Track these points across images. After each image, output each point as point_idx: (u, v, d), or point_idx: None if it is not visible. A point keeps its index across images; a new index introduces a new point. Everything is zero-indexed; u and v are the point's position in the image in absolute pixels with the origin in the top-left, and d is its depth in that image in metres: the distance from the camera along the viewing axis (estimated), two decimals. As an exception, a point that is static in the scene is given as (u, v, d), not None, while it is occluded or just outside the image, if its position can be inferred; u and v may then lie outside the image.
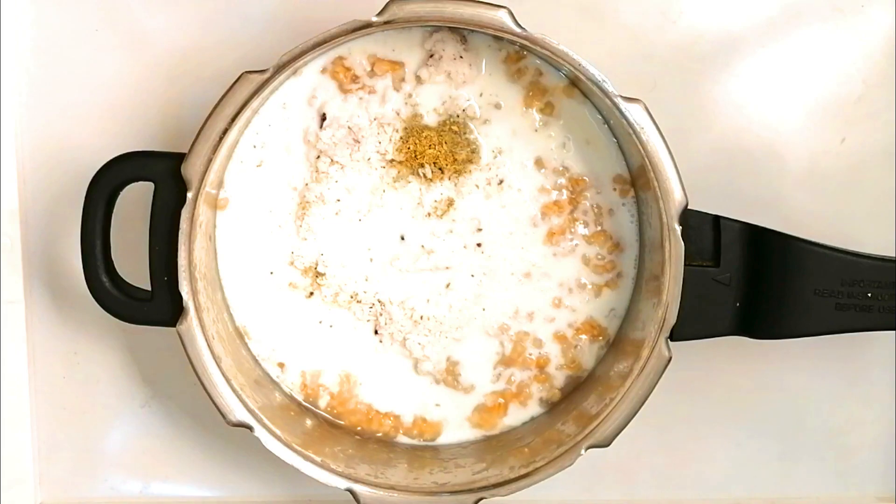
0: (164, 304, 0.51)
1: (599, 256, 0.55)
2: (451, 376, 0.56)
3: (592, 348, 0.56)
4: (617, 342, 0.56)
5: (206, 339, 0.51)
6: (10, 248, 0.56)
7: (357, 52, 0.53)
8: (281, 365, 0.56)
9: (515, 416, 0.56)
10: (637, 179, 0.54)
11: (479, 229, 0.55)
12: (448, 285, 0.55)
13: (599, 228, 0.55)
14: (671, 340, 0.51)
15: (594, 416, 0.52)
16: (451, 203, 0.54)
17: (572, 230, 0.55)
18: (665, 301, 0.51)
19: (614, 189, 0.55)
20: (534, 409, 0.56)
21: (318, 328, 0.55)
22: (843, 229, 0.57)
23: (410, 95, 0.54)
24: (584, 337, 0.56)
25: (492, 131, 0.54)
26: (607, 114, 0.53)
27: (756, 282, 0.52)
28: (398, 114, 0.54)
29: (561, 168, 0.54)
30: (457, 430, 0.56)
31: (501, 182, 0.54)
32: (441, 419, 0.56)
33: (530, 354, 0.56)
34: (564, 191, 0.55)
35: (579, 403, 0.55)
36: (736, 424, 0.60)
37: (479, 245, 0.55)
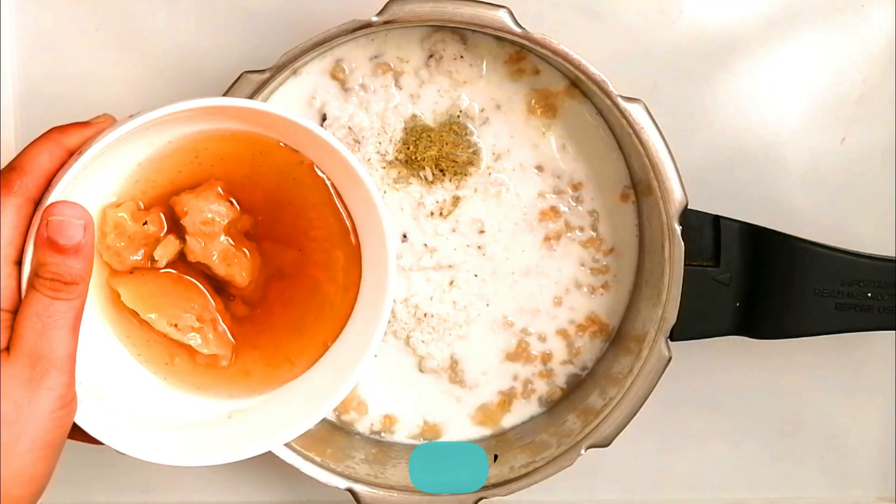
0: (164, 304, 0.51)
1: (595, 259, 0.55)
2: (454, 373, 0.56)
3: (594, 344, 0.56)
4: (617, 341, 0.56)
5: (207, 339, 0.51)
6: (10, 248, 0.56)
7: (357, 52, 0.53)
8: (281, 365, 0.56)
9: (518, 414, 0.56)
10: (637, 180, 0.54)
11: (482, 231, 0.55)
12: (451, 283, 0.55)
13: (595, 234, 0.55)
14: (671, 340, 0.51)
15: (595, 415, 0.52)
16: (455, 202, 0.54)
17: (569, 234, 0.55)
18: (665, 301, 0.51)
19: (614, 190, 0.55)
20: (535, 407, 0.56)
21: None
22: (843, 229, 0.57)
23: (411, 96, 0.54)
24: (585, 333, 0.56)
25: (492, 132, 0.54)
26: (607, 114, 0.53)
27: (756, 282, 0.52)
28: (398, 114, 0.54)
29: (561, 169, 0.54)
30: (459, 428, 0.56)
31: (502, 183, 0.54)
32: (444, 418, 0.56)
33: (534, 350, 0.56)
34: (563, 193, 0.55)
35: (580, 403, 0.55)
36: (736, 424, 0.60)
37: (479, 247, 0.55)
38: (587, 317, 0.56)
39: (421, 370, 0.56)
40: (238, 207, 0.47)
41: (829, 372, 0.59)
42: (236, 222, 0.47)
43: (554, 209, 0.55)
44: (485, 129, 0.54)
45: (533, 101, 0.54)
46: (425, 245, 0.55)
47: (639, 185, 0.54)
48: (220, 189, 0.46)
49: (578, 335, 0.56)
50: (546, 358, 0.56)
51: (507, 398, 0.56)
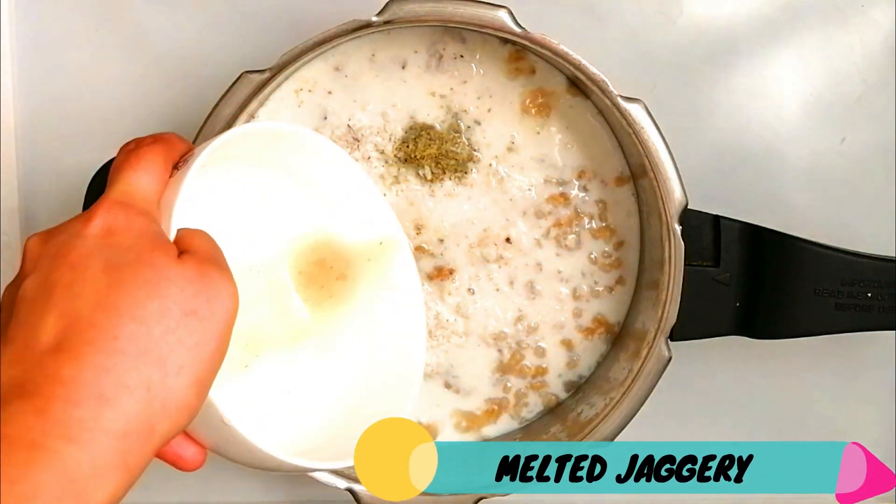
0: (164, 303, 0.51)
1: (606, 254, 0.55)
2: (449, 379, 0.56)
3: (594, 349, 0.56)
4: (617, 342, 0.56)
5: (206, 339, 0.51)
6: (10, 248, 0.56)
7: (357, 52, 0.53)
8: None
9: (511, 422, 0.56)
10: (637, 179, 0.54)
11: (482, 231, 0.55)
12: (450, 292, 0.55)
13: (604, 224, 0.55)
14: (671, 340, 0.51)
15: (593, 418, 0.52)
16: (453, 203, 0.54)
17: (574, 232, 0.55)
18: (665, 301, 0.51)
19: (614, 189, 0.55)
20: (532, 412, 0.56)
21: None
22: (843, 229, 0.57)
23: (411, 95, 0.54)
24: (585, 338, 0.56)
25: (492, 130, 0.54)
26: (607, 113, 0.53)
27: (756, 282, 0.52)
28: (398, 113, 0.54)
29: (561, 168, 0.54)
30: (452, 435, 0.56)
31: (502, 181, 0.54)
32: (436, 422, 0.56)
33: (535, 352, 0.56)
34: (563, 190, 0.55)
35: (577, 406, 0.55)
36: (736, 424, 0.60)
37: (479, 248, 0.55)
38: (591, 317, 0.55)
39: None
40: None
41: (829, 372, 0.59)
42: None
43: (554, 208, 0.54)
44: (485, 127, 0.54)
45: (530, 93, 0.54)
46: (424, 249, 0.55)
47: (638, 184, 0.54)
48: None
49: (579, 337, 0.56)
50: (545, 364, 0.56)
51: (502, 406, 0.56)
